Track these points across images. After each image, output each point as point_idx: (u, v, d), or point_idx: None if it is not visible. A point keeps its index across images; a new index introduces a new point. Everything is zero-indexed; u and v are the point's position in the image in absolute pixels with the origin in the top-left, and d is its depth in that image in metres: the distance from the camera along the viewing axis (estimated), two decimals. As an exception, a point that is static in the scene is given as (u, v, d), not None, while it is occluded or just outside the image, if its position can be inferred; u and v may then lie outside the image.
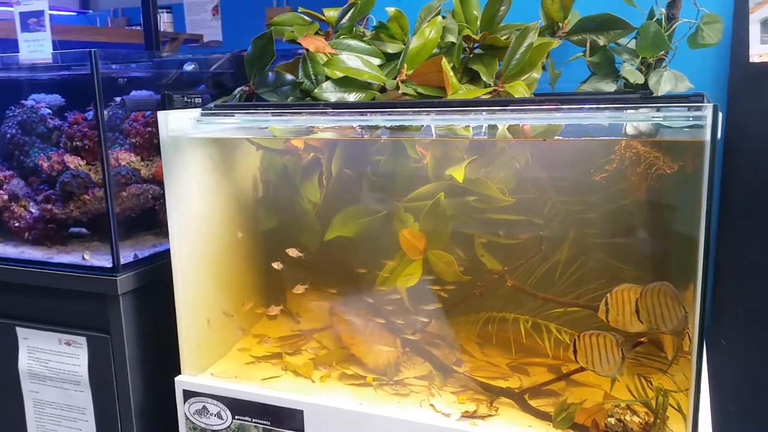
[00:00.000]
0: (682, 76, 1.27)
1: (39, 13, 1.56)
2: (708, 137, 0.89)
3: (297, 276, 1.42)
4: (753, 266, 1.41)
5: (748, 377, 1.45)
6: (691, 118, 0.93)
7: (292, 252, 1.38)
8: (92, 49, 1.28)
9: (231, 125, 1.31)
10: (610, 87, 1.29)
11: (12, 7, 1.58)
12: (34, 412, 1.48)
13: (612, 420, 1.07)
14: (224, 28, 4.30)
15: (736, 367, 1.46)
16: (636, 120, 1.01)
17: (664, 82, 1.24)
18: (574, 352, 1.11)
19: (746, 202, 1.41)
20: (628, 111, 1.01)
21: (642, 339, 1.08)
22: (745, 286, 1.43)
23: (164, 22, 4.67)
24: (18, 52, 1.53)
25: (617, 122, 1.04)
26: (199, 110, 1.30)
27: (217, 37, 4.35)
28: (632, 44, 1.29)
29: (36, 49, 1.54)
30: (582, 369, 1.15)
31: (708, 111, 0.89)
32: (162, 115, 1.25)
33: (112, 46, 3.52)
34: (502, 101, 1.11)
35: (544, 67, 1.38)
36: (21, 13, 1.57)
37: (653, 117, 0.99)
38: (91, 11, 5.47)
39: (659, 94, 1.22)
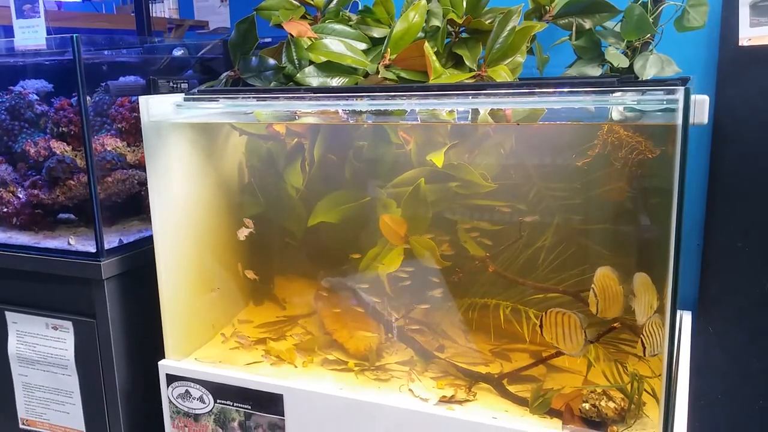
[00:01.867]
0: (669, 60, 1.26)
1: (33, 0, 1.57)
2: (680, 121, 0.88)
3: (282, 262, 1.43)
4: (741, 253, 1.40)
5: (735, 364, 1.44)
6: (664, 102, 0.92)
7: (243, 230, 1.38)
8: (74, 35, 1.28)
9: (213, 110, 1.31)
10: (595, 71, 1.28)
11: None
12: (24, 395, 1.49)
13: (587, 405, 1.06)
14: (232, 14, 4.30)
15: (723, 354, 1.45)
16: (611, 104, 1.00)
17: (650, 66, 1.23)
18: (540, 327, 1.11)
19: (735, 189, 1.39)
20: (604, 95, 0.99)
21: (615, 325, 1.08)
22: (732, 274, 1.41)
23: (170, 8, 4.67)
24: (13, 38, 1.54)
25: (595, 106, 1.03)
26: (182, 95, 1.30)
27: (225, 24, 4.34)
28: (619, 28, 1.28)
29: (31, 35, 1.54)
30: (558, 354, 1.15)
31: (680, 94, 0.88)
32: (143, 100, 1.25)
33: (116, 33, 3.53)
34: (477, 86, 1.10)
35: (531, 51, 1.37)
36: (16, 0, 1.57)
37: (628, 101, 0.98)
38: (97, -2, 5.48)
39: (644, 78, 1.21)
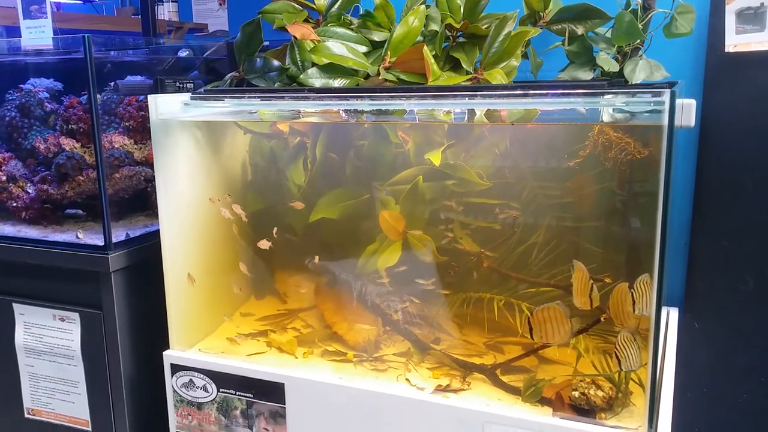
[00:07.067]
0: (658, 65, 1.31)
1: (41, 1, 1.61)
2: (665, 122, 0.93)
3: (283, 257, 1.47)
4: (726, 252, 1.45)
5: (720, 359, 1.49)
6: (651, 104, 0.97)
7: (263, 244, 1.43)
8: (86, 35, 1.32)
9: (219, 109, 1.35)
10: (587, 75, 1.33)
11: (15, -6, 1.63)
12: (30, 385, 1.53)
13: (576, 393, 1.11)
14: (230, 17, 4.35)
15: (708, 349, 1.50)
16: (601, 105, 1.05)
17: (639, 71, 1.28)
18: (530, 330, 1.15)
19: (720, 190, 1.44)
20: (595, 97, 1.04)
21: (603, 316, 1.13)
22: (718, 272, 1.46)
23: (169, 11, 4.71)
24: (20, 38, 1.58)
25: (586, 108, 1.08)
26: (189, 95, 1.35)
27: (224, 27, 4.39)
28: (610, 34, 1.33)
29: (38, 35, 1.58)
30: (547, 345, 1.20)
31: (666, 97, 0.93)
32: (152, 99, 1.30)
33: (116, 34, 3.57)
34: (474, 88, 1.15)
35: (526, 56, 1.42)
36: (23, 1, 1.61)
37: (618, 103, 1.03)
38: (97, 0, 5.52)
39: (634, 82, 1.26)
